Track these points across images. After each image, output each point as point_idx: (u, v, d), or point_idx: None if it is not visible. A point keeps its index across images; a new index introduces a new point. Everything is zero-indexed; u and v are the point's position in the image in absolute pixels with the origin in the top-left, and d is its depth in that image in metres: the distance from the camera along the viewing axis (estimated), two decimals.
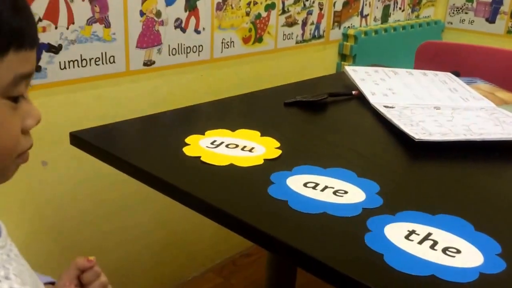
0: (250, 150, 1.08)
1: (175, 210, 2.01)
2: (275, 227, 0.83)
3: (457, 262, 0.76)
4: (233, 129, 1.18)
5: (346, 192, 0.94)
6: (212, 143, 1.10)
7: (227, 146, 1.10)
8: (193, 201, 0.91)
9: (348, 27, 2.50)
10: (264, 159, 1.05)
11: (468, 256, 0.78)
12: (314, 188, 0.95)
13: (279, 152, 1.08)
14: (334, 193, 0.93)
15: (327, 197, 0.92)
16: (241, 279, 2.24)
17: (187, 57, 1.86)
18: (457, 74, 1.70)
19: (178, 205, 2.01)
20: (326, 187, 0.95)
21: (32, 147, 0.70)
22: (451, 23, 2.96)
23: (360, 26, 2.56)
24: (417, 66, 1.92)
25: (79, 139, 1.10)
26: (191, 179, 0.98)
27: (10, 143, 0.64)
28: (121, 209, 1.85)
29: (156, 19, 1.73)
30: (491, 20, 2.82)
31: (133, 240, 1.94)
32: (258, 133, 1.17)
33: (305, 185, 0.95)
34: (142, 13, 1.68)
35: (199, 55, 1.90)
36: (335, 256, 0.77)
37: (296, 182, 0.96)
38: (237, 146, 1.10)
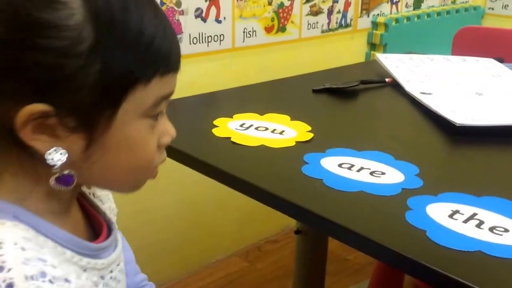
0: (281, 133, 1.12)
1: (201, 192, 2.10)
2: (310, 202, 0.87)
3: (506, 240, 0.79)
4: (261, 113, 1.22)
5: (383, 173, 0.97)
6: (241, 126, 1.15)
7: (256, 128, 1.14)
8: (226, 177, 0.96)
9: (378, 14, 2.53)
10: (296, 141, 1.08)
11: None
12: (349, 168, 0.98)
13: (311, 135, 1.11)
14: (371, 173, 0.97)
15: (364, 177, 0.95)
16: (267, 264, 2.31)
17: (208, 46, 1.91)
18: (500, 60, 1.71)
19: (204, 188, 2.07)
20: (362, 168, 0.99)
21: None
22: (492, 9, 2.96)
23: (391, 13, 2.59)
24: (455, 54, 1.94)
25: None
26: (223, 157, 1.02)
27: (147, 159, 0.71)
28: (148, 190, 1.89)
29: (176, 8, 1.78)
30: None
31: (159, 221, 2.03)
32: (288, 117, 1.21)
33: (340, 165, 0.99)
34: (162, 3, 1.75)
35: (220, 44, 1.95)
36: (375, 229, 0.80)
37: (331, 163, 1.00)
38: (267, 129, 1.14)
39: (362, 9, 2.47)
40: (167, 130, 0.73)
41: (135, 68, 0.64)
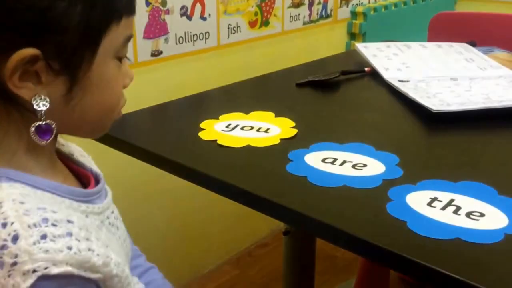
0: (266, 131, 1.12)
1: (189, 201, 2.05)
2: (296, 202, 0.87)
3: (482, 224, 0.80)
4: (247, 112, 1.22)
5: (365, 165, 0.98)
6: (227, 127, 1.15)
7: (242, 128, 1.14)
8: (213, 182, 0.96)
9: (356, 4, 2.53)
10: (281, 139, 1.09)
11: (492, 218, 0.81)
12: (332, 163, 0.98)
13: (295, 131, 1.12)
14: (353, 166, 0.97)
15: (346, 170, 0.96)
16: (258, 270, 2.28)
17: (194, 45, 1.90)
18: (473, 44, 1.72)
19: (191, 198, 2.05)
20: (344, 161, 0.99)
21: None
22: None
23: (369, 2, 2.58)
24: (430, 40, 1.94)
25: None
26: (209, 162, 1.02)
27: (117, 98, 0.75)
28: (134, 203, 1.89)
29: (162, 8, 1.77)
30: None
31: (147, 234, 1.98)
32: (273, 114, 1.21)
33: (323, 160, 0.99)
34: (148, 3, 1.73)
35: (206, 42, 1.94)
36: (358, 225, 0.81)
37: (314, 159, 1.00)
38: (252, 128, 1.14)
39: (341, 0, 2.46)
40: (128, 72, 0.77)
41: (111, 8, 0.68)
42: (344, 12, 2.50)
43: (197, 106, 1.33)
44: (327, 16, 2.42)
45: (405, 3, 2.64)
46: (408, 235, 0.78)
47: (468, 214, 0.82)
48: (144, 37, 1.73)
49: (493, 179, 0.92)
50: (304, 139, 1.09)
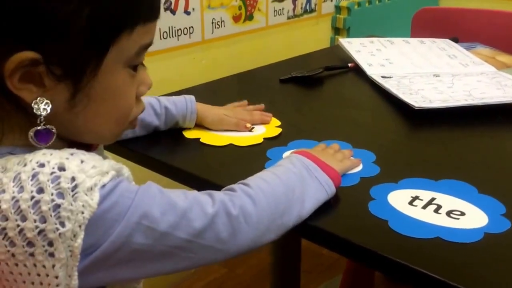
0: (250, 130, 1.12)
1: None
2: None
3: (462, 223, 0.81)
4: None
5: None
6: None
7: None
8: (194, 180, 0.97)
9: None
10: (264, 138, 1.09)
11: (473, 217, 0.82)
12: None
13: (279, 130, 1.12)
14: None
15: None
16: (246, 269, 2.27)
17: (178, 40, 1.89)
18: (455, 40, 1.73)
19: None
20: None
21: None
22: None
23: None
24: (414, 35, 1.95)
25: None
26: (192, 160, 1.03)
27: (127, 109, 0.73)
28: None
29: None
30: None
31: None
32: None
33: None
34: None
35: (190, 37, 1.93)
36: (340, 224, 0.82)
37: None
38: None
39: None
40: (144, 80, 0.75)
41: (121, 15, 0.66)
42: (328, 7, 2.50)
43: None
44: (311, 11, 2.42)
45: None
46: (389, 234, 0.78)
47: (448, 213, 0.83)
48: None
49: (474, 177, 0.93)
50: (286, 137, 1.09)
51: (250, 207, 0.73)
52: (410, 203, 0.86)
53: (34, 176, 0.61)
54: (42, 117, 0.65)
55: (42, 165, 0.62)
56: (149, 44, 0.71)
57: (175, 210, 0.68)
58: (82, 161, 0.64)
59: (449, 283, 0.68)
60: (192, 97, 1.12)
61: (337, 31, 2.53)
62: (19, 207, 0.60)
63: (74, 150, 0.65)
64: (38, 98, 0.65)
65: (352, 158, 0.98)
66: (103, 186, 0.63)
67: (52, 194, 0.61)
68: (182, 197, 0.70)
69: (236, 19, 2.10)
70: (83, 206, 0.61)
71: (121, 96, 0.71)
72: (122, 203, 0.65)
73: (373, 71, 1.48)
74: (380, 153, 1.02)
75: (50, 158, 0.63)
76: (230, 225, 0.71)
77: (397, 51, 1.63)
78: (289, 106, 1.32)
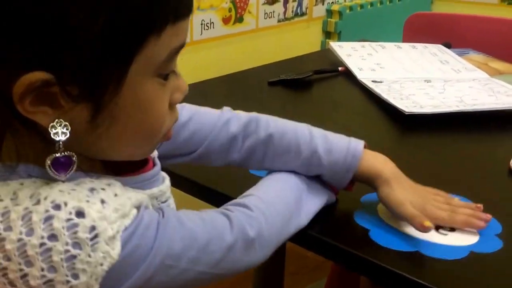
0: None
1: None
2: None
3: (448, 240, 0.79)
4: None
5: None
6: None
7: None
8: (194, 187, 0.97)
9: (332, 2, 2.52)
10: None
11: (462, 234, 0.80)
12: None
13: None
14: None
15: None
16: None
17: None
18: (448, 45, 1.73)
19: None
20: None
21: None
22: None
23: (345, 1, 2.58)
24: (406, 40, 1.95)
25: None
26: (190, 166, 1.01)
27: (159, 123, 0.63)
28: None
29: None
30: None
31: None
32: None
33: None
34: None
35: None
36: (325, 229, 0.81)
37: None
38: None
39: None
40: (179, 86, 0.65)
41: (146, 17, 0.56)
42: (319, 10, 2.49)
43: None
44: (302, 14, 2.41)
45: (381, 2, 2.64)
46: (369, 243, 0.78)
47: (437, 228, 0.81)
48: None
49: (472, 192, 0.91)
50: None
51: (265, 230, 0.71)
52: None
53: (47, 219, 0.54)
54: (61, 142, 0.57)
55: (57, 207, 0.55)
56: (181, 46, 0.61)
57: (196, 244, 0.64)
58: (103, 202, 0.57)
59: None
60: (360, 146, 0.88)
61: (328, 35, 2.53)
62: (25, 251, 0.54)
63: (94, 183, 0.59)
64: (56, 121, 0.56)
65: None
66: (125, 229, 0.58)
67: (67, 244, 0.54)
68: (200, 225, 0.66)
69: (225, 21, 2.09)
70: (103, 257, 0.56)
71: (151, 110, 0.61)
72: (143, 245, 0.60)
73: (364, 76, 1.47)
74: None
75: (67, 198, 0.56)
76: (246, 251, 0.69)
77: (388, 56, 1.62)
78: (277, 109, 1.30)
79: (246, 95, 1.40)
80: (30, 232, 0.54)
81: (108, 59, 0.55)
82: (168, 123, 0.65)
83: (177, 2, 0.59)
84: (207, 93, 1.41)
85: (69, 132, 0.57)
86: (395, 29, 2.20)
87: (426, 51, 1.67)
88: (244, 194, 0.76)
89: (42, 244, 0.54)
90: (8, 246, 0.55)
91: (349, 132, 1.15)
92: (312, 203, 0.80)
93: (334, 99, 1.41)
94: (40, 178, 0.59)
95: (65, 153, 0.57)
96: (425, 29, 1.96)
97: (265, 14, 2.25)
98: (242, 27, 2.17)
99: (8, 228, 0.55)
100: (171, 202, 0.73)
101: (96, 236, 0.55)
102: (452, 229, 0.81)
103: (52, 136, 0.56)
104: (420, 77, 1.47)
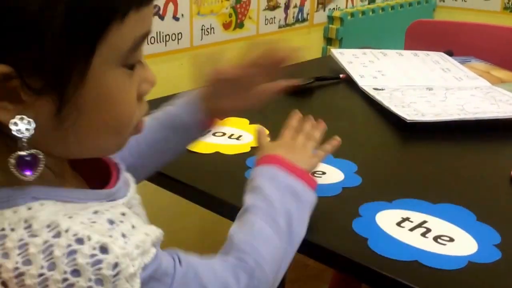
0: (238, 138, 1.11)
1: (155, 211, 2.03)
2: None
3: (447, 250, 0.79)
4: None
5: (324, 173, 0.99)
6: None
7: (214, 134, 1.13)
8: (179, 187, 0.97)
9: (333, 8, 2.53)
10: (251, 147, 1.08)
11: (461, 244, 0.80)
12: None
13: (267, 139, 1.11)
14: (312, 174, 0.96)
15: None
16: None
17: (166, 45, 1.89)
18: (450, 53, 1.73)
19: (158, 207, 2.02)
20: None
21: None
22: (443, 1, 2.97)
23: (346, 7, 2.59)
24: (407, 47, 1.95)
25: None
26: (177, 167, 1.01)
27: (128, 115, 0.61)
28: None
29: None
30: None
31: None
32: (247, 121, 1.21)
33: None
34: None
35: (178, 43, 1.93)
36: (323, 236, 0.82)
37: None
38: (224, 134, 1.14)
39: (318, 3, 2.47)
40: (146, 77, 0.63)
41: (107, 4, 0.54)
42: (320, 16, 2.50)
43: None
44: (303, 20, 2.42)
45: (383, 9, 2.65)
46: (366, 253, 0.78)
47: (436, 238, 0.81)
48: None
49: (472, 201, 0.91)
50: None
51: (268, 274, 0.71)
52: (399, 224, 0.84)
53: (70, 254, 0.53)
54: (25, 139, 0.54)
55: (80, 241, 0.53)
56: (147, 34, 0.59)
57: None
58: (124, 236, 0.56)
59: None
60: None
61: (329, 41, 2.53)
62: (47, 286, 0.53)
63: (110, 213, 0.58)
64: (17, 117, 0.53)
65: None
66: (144, 267, 0.57)
67: (90, 280, 0.53)
68: (212, 279, 0.66)
69: (226, 26, 2.10)
70: None
71: (118, 101, 0.59)
72: None
73: (365, 83, 1.48)
74: (369, 166, 1.02)
75: (90, 232, 0.54)
76: None
77: (390, 63, 1.63)
78: (278, 116, 1.31)
79: None
80: (52, 266, 0.53)
81: (69, 49, 0.53)
82: (138, 115, 0.64)
83: None
84: None
85: (33, 129, 0.54)
86: (396, 36, 2.21)
87: (428, 58, 1.67)
88: (237, 240, 0.74)
89: (64, 280, 0.53)
90: (29, 281, 0.53)
91: (350, 139, 1.16)
92: (302, 222, 0.79)
93: (335, 106, 1.41)
94: (46, 200, 0.57)
95: (30, 151, 0.55)
96: (427, 36, 1.96)
97: (265, 19, 2.26)
98: (243, 33, 2.18)
99: (27, 262, 0.53)
100: (138, 201, 0.72)
101: (118, 273, 0.54)
102: (451, 239, 0.81)
103: (15, 133, 0.54)
104: (421, 85, 1.47)
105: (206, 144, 1.08)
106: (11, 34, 0.51)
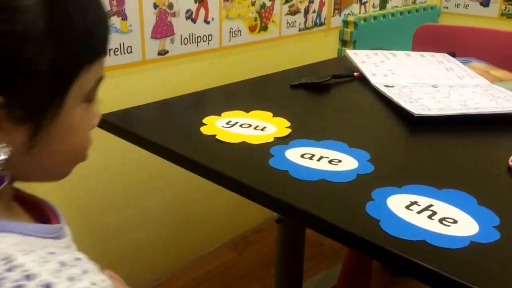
0: (262, 129, 1.11)
1: (191, 191, 2.06)
2: (280, 192, 0.88)
3: (451, 230, 0.78)
4: (247, 111, 1.21)
5: (340, 161, 0.98)
6: (227, 123, 1.14)
7: (241, 125, 1.13)
8: (210, 172, 0.96)
9: (348, 14, 2.52)
10: (275, 137, 1.08)
11: (464, 226, 0.79)
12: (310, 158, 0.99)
13: (289, 131, 1.11)
14: (330, 162, 0.98)
15: (324, 166, 0.96)
16: (252, 253, 2.28)
17: (197, 46, 1.89)
18: (453, 54, 1.72)
19: (193, 187, 2.06)
20: (321, 157, 0.99)
21: None
22: (447, 8, 2.96)
23: (360, 12, 2.58)
24: (414, 49, 1.94)
25: (106, 122, 1.14)
26: (207, 154, 1.02)
27: (84, 144, 0.65)
28: (142, 192, 1.91)
29: (168, 11, 1.76)
30: (485, 3, 2.82)
31: (153, 219, 1.99)
32: (271, 114, 1.20)
33: (330, 162, 0.98)
34: (155, 6, 1.72)
35: (208, 44, 1.93)
36: (336, 217, 0.81)
37: (294, 154, 1.01)
38: (250, 125, 1.13)
39: (334, 9, 2.46)
40: (95, 112, 0.66)
41: (83, 50, 0.59)
42: (336, 21, 2.49)
43: (199, 103, 1.32)
44: (321, 24, 2.41)
45: (392, 15, 2.64)
46: (378, 233, 0.77)
47: (441, 220, 0.80)
48: (151, 37, 1.72)
49: (474, 187, 0.91)
50: (293, 137, 1.08)
51: None
52: (407, 207, 0.83)
53: None
54: (0, 163, 0.55)
55: (27, 278, 0.51)
56: (102, 78, 0.64)
57: None
58: (70, 280, 0.53)
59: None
60: None
61: (344, 43, 2.52)
62: None
63: (65, 257, 0.55)
64: None
65: None
66: None
67: None
68: None
69: (252, 29, 2.10)
70: None
71: (79, 132, 0.63)
72: None
73: (377, 80, 1.47)
74: (380, 155, 1.01)
75: (39, 270, 0.52)
76: None
77: (399, 63, 1.61)
78: (298, 109, 1.31)
79: (270, 96, 1.40)
80: None
81: (52, 86, 0.57)
82: (88, 146, 0.66)
83: (104, 41, 0.63)
84: (236, 94, 1.42)
85: (8, 154, 0.56)
86: (405, 39, 2.20)
87: (433, 59, 1.66)
88: None
89: None
90: None
91: (363, 131, 1.16)
92: None
93: (350, 101, 1.41)
94: (5, 232, 0.56)
95: (2, 173, 0.57)
96: (432, 39, 1.95)
97: (287, 23, 2.25)
98: (267, 35, 2.18)
99: None
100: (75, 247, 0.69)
101: None
102: (455, 221, 0.80)
103: None
104: (427, 83, 1.46)
105: (234, 135, 1.08)
106: (7, 73, 0.53)
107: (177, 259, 2.17)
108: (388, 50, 1.74)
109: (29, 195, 0.70)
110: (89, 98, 0.62)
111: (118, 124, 1.14)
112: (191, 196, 2.09)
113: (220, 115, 1.18)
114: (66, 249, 0.61)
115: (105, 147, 1.64)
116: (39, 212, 0.69)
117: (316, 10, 2.36)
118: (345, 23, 2.50)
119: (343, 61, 1.71)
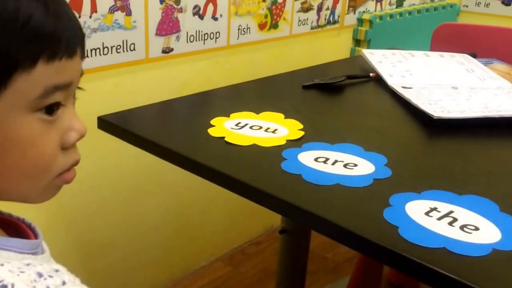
0: (274, 132, 1.12)
1: (184, 200, 2.04)
2: (291, 196, 0.88)
3: (472, 238, 0.79)
4: (257, 112, 1.22)
5: (356, 165, 0.99)
6: (236, 125, 1.14)
7: (251, 127, 1.13)
8: (216, 176, 0.97)
9: (363, 11, 2.52)
10: (287, 140, 1.08)
11: (486, 233, 0.80)
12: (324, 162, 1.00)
13: (302, 133, 1.11)
14: (345, 166, 0.98)
15: (338, 170, 0.97)
16: (250, 267, 2.25)
17: (204, 43, 1.90)
18: (473, 55, 1.72)
19: (187, 195, 2.05)
20: (336, 161, 1.00)
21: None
22: (467, 6, 2.96)
23: (375, 10, 2.58)
24: (433, 49, 1.94)
25: (107, 123, 1.14)
26: (215, 157, 1.02)
27: (44, 162, 0.58)
28: (130, 199, 1.89)
29: (175, 6, 1.77)
30: (507, 2, 2.82)
31: (144, 230, 1.97)
32: (282, 116, 1.20)
33: (345, 166, 0.99)
34: (161, 1, 1.72)
35: (216, 41, 1.94)
36: (352, 223, 0.82)
37: (307, 158, 1.01)
38: (260, 127, 1.14)
39: (349, 6, 2.46)
40: (72, 126, 0.60)
41: (10, 53, 0.52)
42: (351, 19, 2.49)
43: (206, 103, 1.32)
44: (334, 22, 2.42)
45: (409, 13, 2.64)
46: (397, 239, 0.78)
47: (462, 227, 0.81)
48: (156, 34, 1.73)
49: (496, 193, 0.91)
50: (306, 140, 1.09)
51: None
52: (427, 213, 0.84)
53: None
54: None
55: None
56: (66, 85, 0.57)
57: None
58: None
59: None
60: None
61: (357, 42, 2.53)
62: None
63: (42, 268, 0.54)
64: None
65: None
66: None
67: None
68: None
69: (261, 26, 2.11)
70: None
71: (31, 148, 0.56)
72: None
73: (394, 81, 1.47)
74: (398, 159, 1.02)
75: (15, 280, 0.51)
76: None
77: (417, 64, 1.62)
78: (311, 111, 1.32)
79: (281, 97, 1.40)
80: None
81: None
82: (62, 163, 0.60)
83: (50, 42, 0.55)
84: (244, 94, 1.43)
85: None
86: (422, 39, 2.20)
87: (453, 60, 1.66)
88: None
89: None
90: None
91: (380, 134, 1.17)
92: None
93: (366, 103, 1.41)
94: None
95: None
96: (451, 39, 1.95)
97: (299, 21, 2.26)
98: (277, 33, 2.18)
99: None
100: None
101: None
102: (477, 228, 0.81)
103: None
104: (447, 84, 1.47)
105: (244, 137, 1.09)
106: None
107: (168, 273, 2.14)
108: (405, 50, 1.74)
109: (4, 214, 0.67)
110: (40, 106, 0.56)
111: (119, 125, 1.14)
112: (183, 205, 2.08)
113: (228, 116, 1.19)
114: (44, 262, 0.58)
115: (93, 150, 1.65)
116: (17, 230, 0.66)
117: (330, 7, 2.37)
118: (360, 21, 2.50)
119: (357, 61, 1.72)
